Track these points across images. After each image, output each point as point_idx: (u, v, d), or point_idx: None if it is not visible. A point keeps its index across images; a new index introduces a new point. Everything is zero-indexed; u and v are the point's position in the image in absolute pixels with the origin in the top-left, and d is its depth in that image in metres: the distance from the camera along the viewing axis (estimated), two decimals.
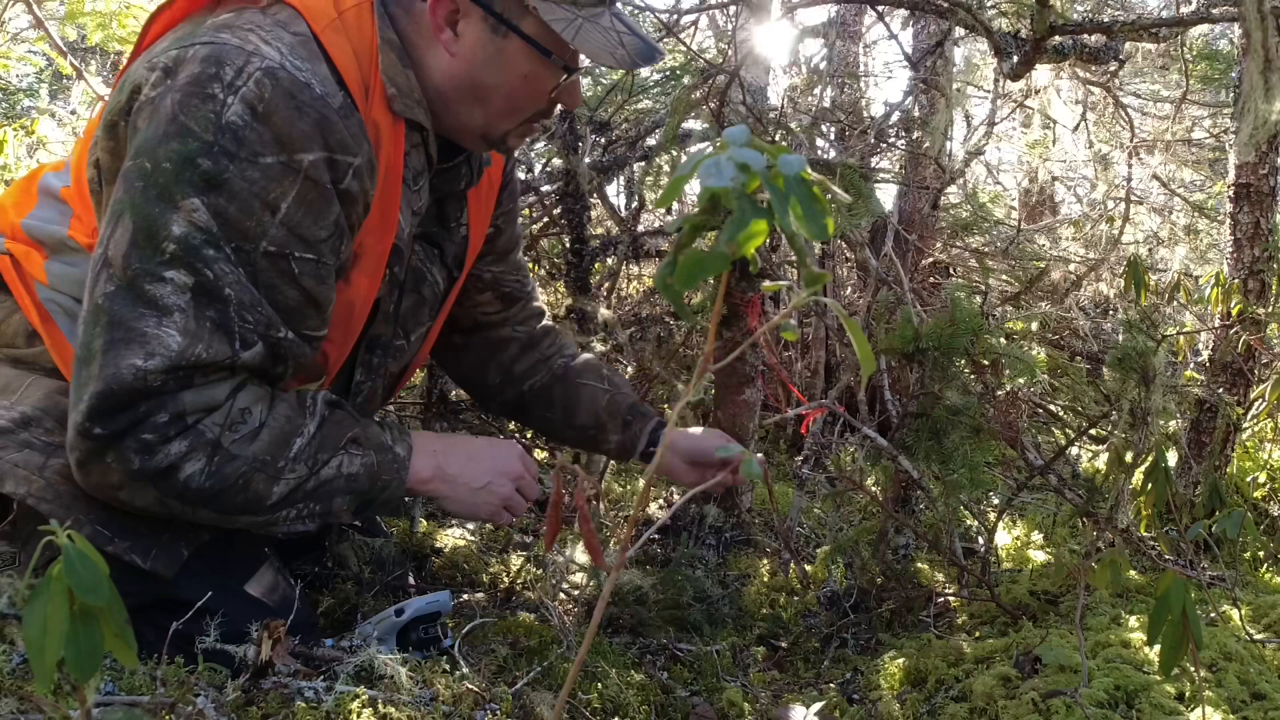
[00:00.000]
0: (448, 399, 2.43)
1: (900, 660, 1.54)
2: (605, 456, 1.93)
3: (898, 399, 2.09)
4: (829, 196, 0.58)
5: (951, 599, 1.82)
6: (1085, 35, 1.86)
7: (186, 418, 1.09)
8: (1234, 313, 2.12)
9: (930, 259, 3.20)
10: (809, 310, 3.23)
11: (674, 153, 2.32)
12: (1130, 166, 3.68)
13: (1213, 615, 1.53)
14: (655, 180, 2.51)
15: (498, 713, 1.14)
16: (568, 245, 2.46)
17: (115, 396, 1.05)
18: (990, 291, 2.75)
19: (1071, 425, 2.73)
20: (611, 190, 3.12)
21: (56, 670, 0.61)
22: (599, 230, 3.13)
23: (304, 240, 1.14)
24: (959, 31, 2.74)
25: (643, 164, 2.64)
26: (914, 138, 2.90)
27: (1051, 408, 2.87)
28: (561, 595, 1.73)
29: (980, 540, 2.01)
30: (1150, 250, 4.27)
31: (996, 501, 2.27)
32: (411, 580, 1.63)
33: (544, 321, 1.77)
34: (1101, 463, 2.53)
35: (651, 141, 2.67)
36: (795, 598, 1.89)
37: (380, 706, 1.05)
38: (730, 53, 2.36)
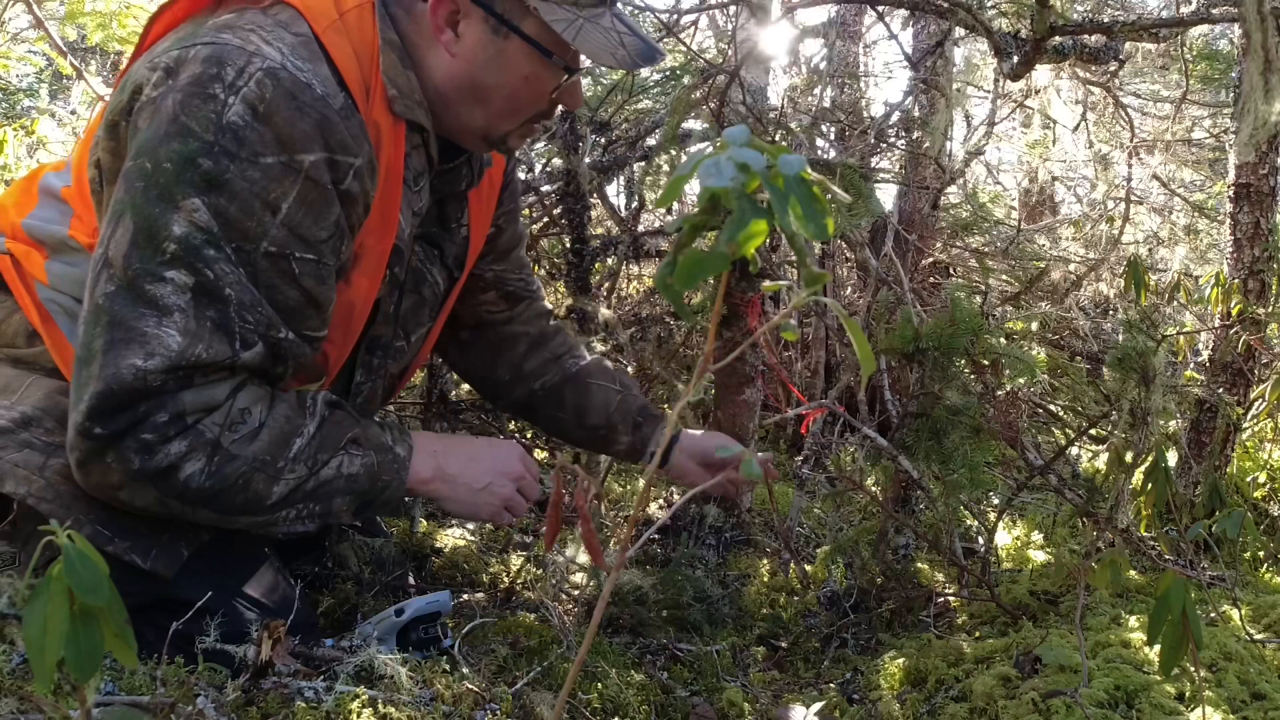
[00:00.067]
0: (448, 399, 2.43)
1: (900, 660, 1.54)
2: (614, 458, 1.93)
3: (898, 399, 2.09)
4: (829, 196, 0.58)
5: (951, 599, 1.82)
6: (1085, 35, 1.86)
7: (186, 418, 1.09)
8: (1234, 313, 2.13)
9: (930, 259, 3.21)
10: (809, 310, 3.23)
11: (674, 153, 2.31)
12: (1130, 166, 3.68)
13: (1213, 615, 1.53)
14: (655, 180, 2.51)
15: (498, 713, 1.14)
16: (568, 245, 2.46)
17: (115, 396, 1.05)
18: (990, 291, 2.75)
19: (1071, 425, 2.73)
20: (611, 190, 3.12)
21: (56, 670, 0.61)
22: (599, 230, 3.13)
23: (304, 241, 1.14)
24: (959, 31, 2.74)
25: (643, 164, 2.64)
26: (914, 138, 2.90)
27: (1051, 408, 2.87)
28: (562, 595, 1.73)
29: (980, 540, 2.01)
30: (1150, 250, 4.27)
31: (996, 501, 2.27)
32: (411, 580, 1.63)
33: (551, 321, 1.77)
34: (1101, 463, 2.53)
35: (651, 141, 2.67)
36: (795, 598, 1.89)
37: (380, 706, 1.05)
38: (730, 53, 2.36)
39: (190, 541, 1.20)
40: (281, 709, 1.02)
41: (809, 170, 0.56)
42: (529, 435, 2.64)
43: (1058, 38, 1.76)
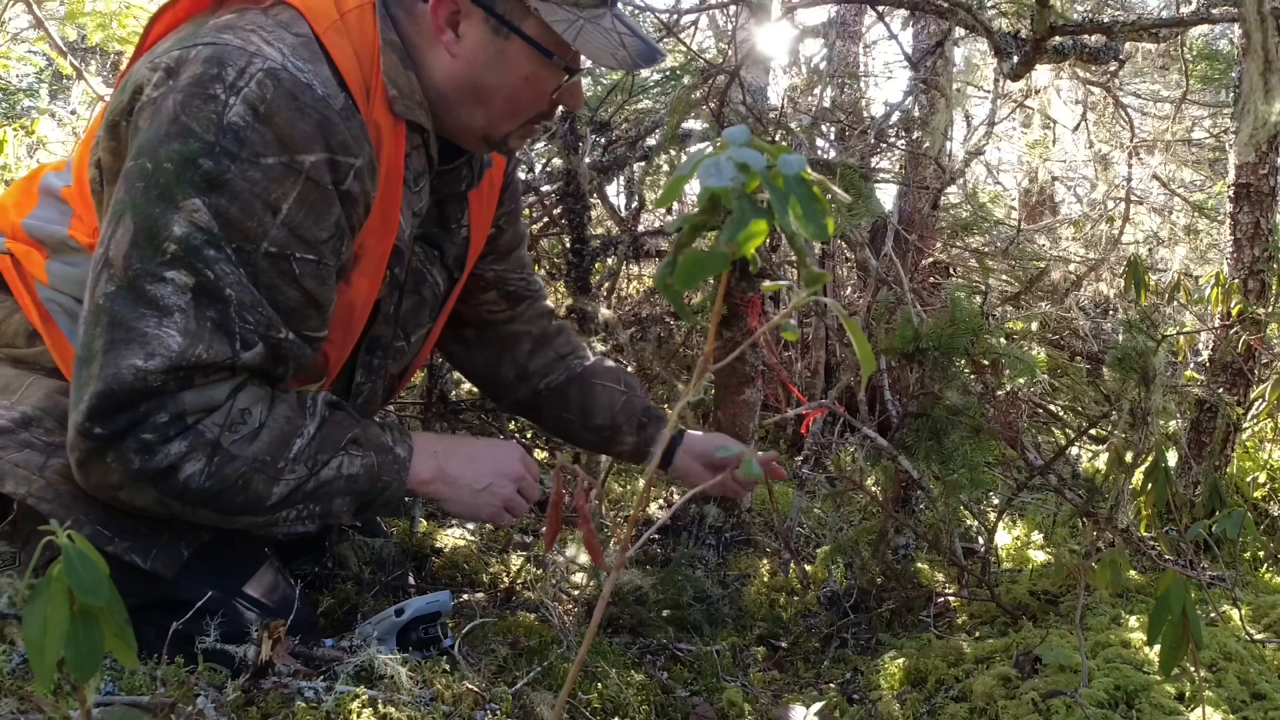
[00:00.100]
0: (448, 399, 2.43)
1: (900, 660, 1.54)
2: (619, 459, 1.92)
3: (898, 399, 2.09)
4: (829, 196, 0.58)
5: (951, 599, 1.82)
6: (1085, 35, 1.86)
7: (186, 418, 1.09)
8: (1234, 313, 2.13)
9: (930, 259, 3.21)
10: (809, 310, 3.23)
11: (674, 153, 2.32)
12: (1130, 166, 3.68)
13: (1213, 615, 1.53)
14: (655, 180, 2.51)
15: (498, 713, 1.14)
16: (568, 245, 2.46)
17: (115, 396, 1.05)
18: (990, 291, 2.75)
19: (1071, 425, 2.73)
20: (611, 190, 3.12)
21: (56, 670, 0.61)
22: (599, 230, 3.13)
23: (305, 241, 1.14)
24: (959, 31, 2.74)
25: (643, 164, 2.64)
26: (914, 138, 2.90)
27: (1051, 408, 2.87)
28: (562, 595, 1.73)
29: (980, 540, 2.01)
30: (1150, 250, 4.27)
31: (996, 501, 2.27)
32: (411, 580, 1.63)
33: (554, 320, 1.77)
34: (1101, 463, 2.53)
35: (651, 141, 2.67)
36: (795, 598, 1.89)
37: (380, 706, 1.05)
38: (730, 53, 2.36)
39: (190, 541, 1.20)
40: (281, 709, 1.02)
41: (809, 170, 0.56)
42: (529, 435, 2.64)
43: (1058, 38, 1.76)
